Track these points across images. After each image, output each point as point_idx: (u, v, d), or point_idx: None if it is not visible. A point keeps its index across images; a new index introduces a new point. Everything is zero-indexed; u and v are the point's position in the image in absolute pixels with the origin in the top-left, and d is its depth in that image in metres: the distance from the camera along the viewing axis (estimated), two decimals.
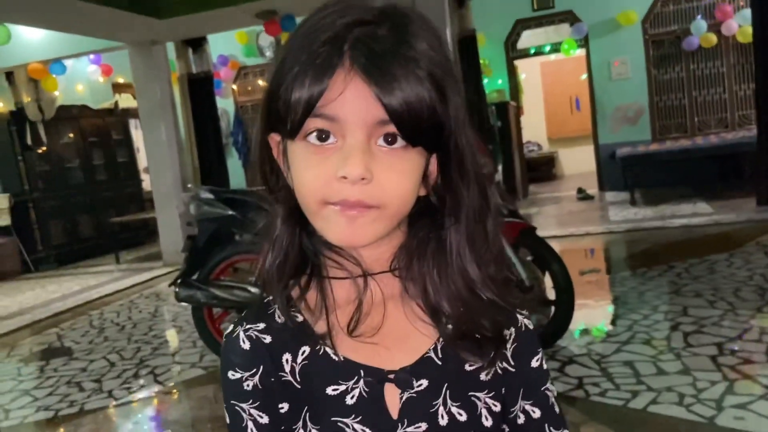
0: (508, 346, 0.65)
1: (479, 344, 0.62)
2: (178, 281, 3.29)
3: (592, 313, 3.73)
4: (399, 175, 0.56)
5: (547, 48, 8.71)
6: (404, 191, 0.57)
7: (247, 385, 0.62)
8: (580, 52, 8.48)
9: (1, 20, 5.09)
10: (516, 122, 8.63)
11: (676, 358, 2.82)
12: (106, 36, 6.32)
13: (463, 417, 0.61)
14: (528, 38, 8.62)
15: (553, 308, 3.11)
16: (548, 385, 0.68)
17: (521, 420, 0.66)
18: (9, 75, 7.46)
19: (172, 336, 4.42)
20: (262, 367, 0.62)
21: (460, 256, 0.61)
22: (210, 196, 3.32)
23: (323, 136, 0.55)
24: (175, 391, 3.33)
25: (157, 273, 6.43)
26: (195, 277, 3.32)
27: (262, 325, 0.63)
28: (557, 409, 0.68)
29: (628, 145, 7.68)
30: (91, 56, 8.04)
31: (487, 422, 0.63)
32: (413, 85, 0.53)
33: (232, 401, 0.62)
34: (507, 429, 0.66)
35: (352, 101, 0.53)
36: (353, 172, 0.54)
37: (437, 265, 0.61)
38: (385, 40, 0.54)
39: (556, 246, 3.15)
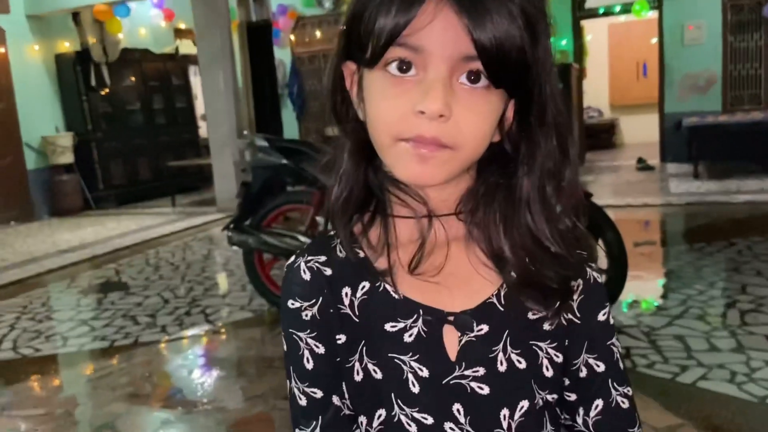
0: (575, 297, 0.62)
1: (544, 294, 0.60)
2: (231, 226, 3.37)
3: (645, 285, 3.64)
4: (477, 117, 0.54)
5: (617, 8, 8.33)
6: (481, 134, 0.55)
7: (306, 315, 0.62)
8: (652, 14, 8.07)
9: None
10: (578, 86, 8.35)
11: (730, 336, 2.73)
12: None
13: (522, 365, 0.60)
14: None
15: (604, 277, 3.04)
16: (614, 340, 0.65)
17: (584, 373, 0.64)
18: (75, 16, 7.62)
19: (222, 279, 4.55)
20: (321, 298, 0.62)
21: (529, 207, 0.59)
22: (265, 144, 3.35)
23: (404, 66, 0.53)
24: (223, 330, 3.44)
25: (210, 218, 6.59)
26: (247, 222, 3.38)
27: (323, 258, 0.63)
28: (621, 366, 0.65)
29: (696, 114, 7.33)
30: (155, 0, 8.13)
31: (548, 372, 0.62)
32: (505, 22, 0.51)
33: (290, 329, 0.63)
34: (567, 381, 0.64)
35: (439, 32, 0.51)
36: (432, 107, 0.52)
37: (504, 214, 0.59)
38: None
39: (611, 216, 3.06)
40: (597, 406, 0.63)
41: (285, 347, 0.64)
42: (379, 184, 0.61)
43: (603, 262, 3.04)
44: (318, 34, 9.20)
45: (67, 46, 7.84)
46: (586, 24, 8.75)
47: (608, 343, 0.65)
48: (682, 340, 2.73)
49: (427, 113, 0.52)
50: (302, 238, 3.24)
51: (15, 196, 7.29)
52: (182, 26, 9.13)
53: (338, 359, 0.62)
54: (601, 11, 8.39)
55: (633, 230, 5.08)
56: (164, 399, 2.70)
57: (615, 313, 3.10)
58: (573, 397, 0.64)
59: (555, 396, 0.63)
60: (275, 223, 3.46)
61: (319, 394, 0.62)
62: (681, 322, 2.94)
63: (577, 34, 8.46)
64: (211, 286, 4.25)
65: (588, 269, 0.64)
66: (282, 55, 9.13)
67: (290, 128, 8.92)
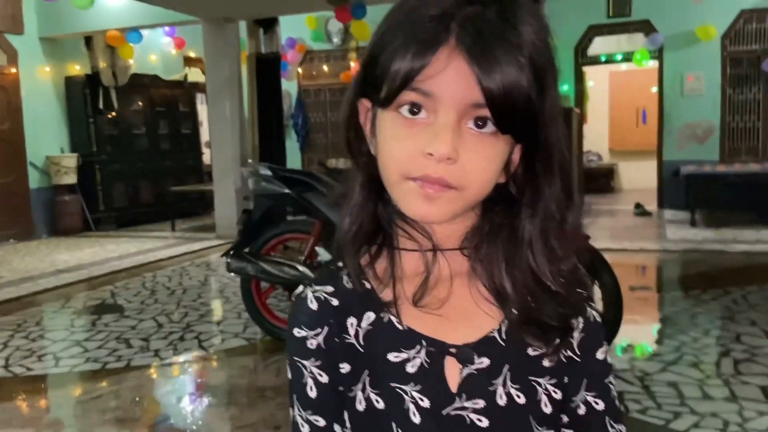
0: (576, 335, 0.64)
1: (543, 331, 0.62)
2: (231, 252, 3.38)
3: (640, 330, 3.64)
4: (483, 160, 0.56)
5: (619, 57, 8.49)
6: (486, 177, 0.57)
7: (311, 344, 0.63)
8: (653, 64, 8.23)
9: None
10: (578, 130, 8.46)
11: (723, 385, 2.73)
12: (183, 9, 6.51)
13: (521, 400, 0.61)
14: (599, 45, 8.42)
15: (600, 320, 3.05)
16: (611, 378, 0.67)
17: (582, 411, 0.65)
18: (88, 40, 7.76)
19: (218, 305, 4.54)
20: (326, 327, 0.63)
21: (531, 248, 0.61)
22: (268, 173, 3.40)
23: (415, 109, 0.56)
24: (216, 357, 3.43)
25: (209, 244, 6.61)
26: (247, 250, 3.40)
27: (330, 288, 0.65)
28: (617, 404, 0.67)
29: (694, 163, 7.43)
30: (167, 28, 8.30)
31: (547, 409, 0.63)
32: (514, 72, 0.53)
33: (295, 357, 0.64)
34: (566, 419, 0.65)
35: (451, 80, 0.54)
36: (440, 150, 0.54)
37: (506, 253, 0.61)
38: (492, 22, 0.54)
39: (607, 259, 3.08)
40: None
41: (289, 375, 0.65)
42: (387, 218, 0.63)
43: (599, 304, 3.06)
44: (325, 68, 9.35)
45: (77, 69, 7.96)
46: (588, 70, 8.91)
47: (606, 380, 0.66)
48: (675, 387, 2.72)
49: (436, 155, 0.54)
50: (301, 268, 3.25)
51: (16, 214, 7.31)
52: (192, 54, 9.29)
53: (341, 388, 0.64)
54: (603, 59, 8.56)
55: (629, 274, 5.10)
56: (153, 425, 2.68)
57: (610, 356, 3.09)
58: None
59: None
60: (274, 252, 3.48)
61: (321, 422, 0.64)
62: (675, 368, 2.94)
63: (579, 79, 8.61)
64: (206, 312, 4.25)
65: (588, 308, 0.66)
66: (288, 86, 9.27)
67: (293, 158, 9.00)
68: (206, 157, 9.22)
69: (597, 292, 3.05)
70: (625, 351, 3.23)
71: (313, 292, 0.65)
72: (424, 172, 0.55)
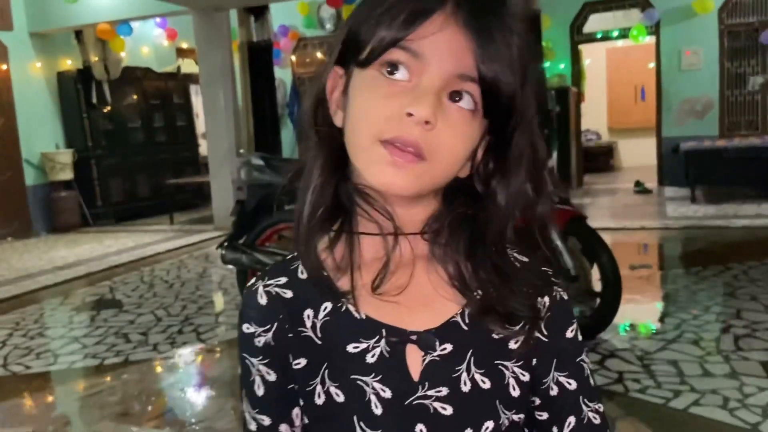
0: (542, 315, 0.62)
1: (507, 319, 0.60)
2: (225, 244, 3.36)
3: (640, 309, 3.62)
4: (457, 136, 0.55)
5: (615, 33, 8.40)
6: (456, 152, 0.56)
7: (259, 341, 0.61)
8: (650, 40, 8.14)
9: None
10: (576, 109, 8.40)
11: (724, 361, 2.72)
12: (172, 0, 6.43)
13: (486, 385, 0.60)
14: (595, 22, 8.33)
15: (598, 300, 3.03)
16: (583, 356, 0.65)
17: (554, 392, 0.63)
18: (78, 34, 7.69)
19: (217, 297, 4.53)
20: (276, 323, 0.61)
21: (495, 242, 0.60)
22: (260, 162, 3.37)
23: (397, 68, 0.54)
24: (216, 349, 3.42)
25: (207, 236, 6.59)
26: (242, 241, 3.38)
27: (284, 279, 0.62)
28: (592, 382, 0.65)
29: (694, 139, 7.37)
30: (158, 20, 8.22)
31: (515, 392, 0.61)
32: (506, 55, 0.53)
33: (243, 354, 0.63)
34: (538, 401, 0.64)
35: (443, 44, 0.53)
36: (421, 112, 0.52)
37: (468, 244, 0.60)
38: (490, 5, 0.54)
39: (608, 238, 3.06)
40: (570, 423, 0.63)
41: (239, 370, 0.64)
42: (348, 198, 0.60)
43: (597, 285, 3.04)
44: (319, 54, 9.27)
45: (69, 63, 7.90)
46: (585, 48, 8.82)
47: (578, 359, 0.64)
48: (675, 365, 2.71)
49: (415, 116, 0.52)
50: None
51: (13, 211, 7.30)
52: (184, 45, 9.22)
53: (290, 386, 0.62)
54: (599, 36, 8.47)
55: (629, 253, 5.08)
56: (154, 418, 2.67)
57: (609, 336, 3.08)
58: (545, 416, 0.64)
59: (521, 416, 0.62)
60: (269, 242, 3.45)
61: (267, 421, 0.62)
62: (675, 346, 2.92)
63: (576, 58, 8.53)
64: (204, 304, 4.24)
65: (553, 285, 0.65)
66: (283, 75, 9.20)
67: (290, 147, 8.95)
68: (203, 149, 9.17)
69: (596, 273, 3.03)
70: (625, 330, 3.21)
71: (264, 286, 0.62)
72: (398, 133, 0.53)
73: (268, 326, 0.61)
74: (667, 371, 2.65)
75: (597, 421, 0.64)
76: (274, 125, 7.44)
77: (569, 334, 0.64)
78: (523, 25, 0.56)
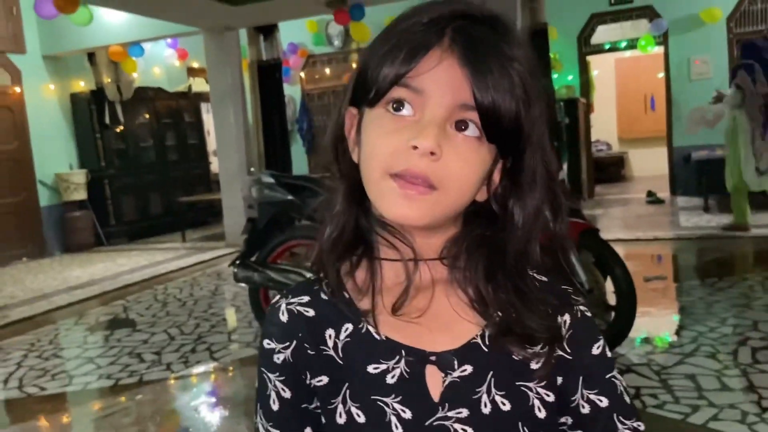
0: (564, 333, 0.62)
1: (528, 340, 0.60)
2: (237, 262, 3.37)
3: (655, 322, 3.58)
4: (465, 163, 0.56)
5: (623, 44, 8.40)
6: (467, 180, 0.57)
7: (278, 358, 0.63)
8: (658, 50, 8.13)
9: (84, 2, 5.32)
10: (585, 120, 8.38)
11: (741, 375, 2.68)
12: (182, 21, 6.52)
13: (506, 407, 0.60)
14: (603, 33, 8.33)
15: (613, 314, 3.00)
16: (614, 373, 0.64)
17: (586, 410, 0.62)
18: (91, 56, 7.80)
19: (230, 315, 4.54)
20: (295, 341, 0.63)
21: (514, 263, 0.61)
22: (271, 180, 3.38)
23: (399, 106, 0.56)
24: (229, 368, 3.42)
25: (219, 253, 6.61)
26: (253, 258, 3.39)
27: (306, 299, 0.65)
28: (627, 399, 0.64)
29: (705, 148, 7.32)
30: (169, 40, 8.32)
31: (540, 414, 0.60)
32: (505, 82, 0.54)
33: (262, 368, 0.65)
34: (570, 420, 0.63)
35: (441, 77, 0.55)
36: (425, 144, 0.54)
37: (487, 266, 0.61)
38: (486, 33, 0.56)
39: (620, 250, 3.03)
40: None
41: (257, 383, 0.65)
42: (368, 227, 0.62)
43: (611, 298, 3.01)
44: (327, 71, 9.34)
45: (82, 85, 8.00)
46: (593, 59, 8.82)
47: (608, 376, 0.63)
48: (693, 379, 2.67)
49: (420, 148, 0.54)
50: (308, 274, 3.19)
51: (28, 232, 7.37)
52: (195, 65, 9.32)
53: (304, 405, 0.63)
54: (607, 47, 8.47)
55: (643, 265, 5.03)
56: None
57: (625, 350, 3.04)
58: None
59: None
60: (281, 259, 3.46)
61: None
62: (692, 360, 2.89)
63: (584, 69, 8.53)
64: (217, 322, 4.24)
65: (573, 302, 0.65)
66: (292, 91, 9.27)
67: (300, 163, 8.99)
68: (214, 167, 9.23)
69: (609, 286, 3.01)
70: (641, 344, 3.18)
71: (286, 304, 0.65)
72: (406, 166, 0.55)
73: (287, 343, 0.63)
74: (684, 386, 2.62)
75: None
76: (284, 142, 7.48)
77: (595, 350, 0.64)
78: (523, 50, 0.57)
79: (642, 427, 0.63)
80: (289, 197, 3.31)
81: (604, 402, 0.62)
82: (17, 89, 7.33)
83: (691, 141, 7.70)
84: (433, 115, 0.55)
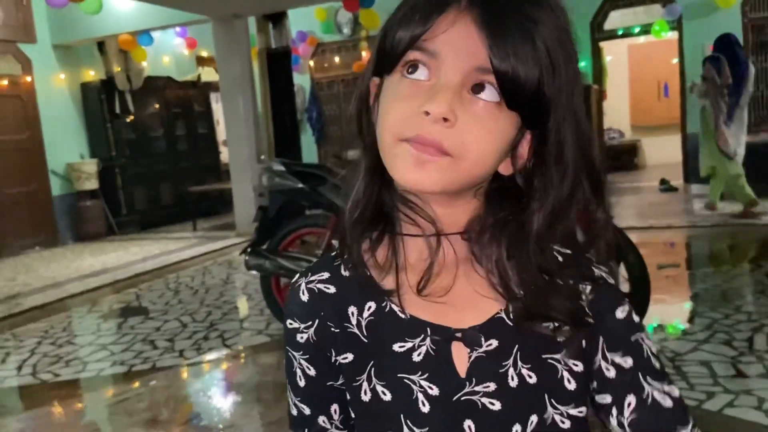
0: (584, 298, 0.60)
1: (552, 322, 0.59)
2: (248, 250, 3.37)
3: (669, 309, 3.56)
4: (482, 131, 0.54)
5: (636, 29, 8.29)
6: (484, 148, 0.54)
7: (301, 337, 0.63)
8: (672, 35, 8.02)
9: None
10: (597, 107, 8.26)
11: (757, 361, 2.65)
12: (191, 9, 6.50)
13: (533, 380, 0.59)
14: (616, 19, 8.23)
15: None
16: (641, 335, 0.61)
17: (611, 373, 0.59)
18: (101, 45, 7.81)
19: (241, 303, 4.55)
20: (318, 320, 0.63)
21: (539, 243, 0.58)
22: (281, 168, 3.37)
23: (417, 68, 0.54)
24: (241, 355, 3.43)
25: (230, 242, 6.63)
26: (264, 246, 3.39)
27: (326, 275, 0.64)
28: (656, 363, 0.60)
29: None
30: (178, 29, 8.31)
31: (570, 385, 0.59)
32: (527, 47, 0.51)
33: (287, 347, 0.65)
34: (595, 384, 0.60)
35: (456, 39, 0.52)
36: (437, 109, 0.52)
37: (511, 247, 0.59)
38: None
39: (634, 238, 3.01)
40: (630, 403, 0.58)
41: (285, 360, 0.66)
42: (390, 203, 0.61)
43: (625, 285, 2.99)
44: (337, 59, 9.30)
45: (92, 74, 8.02)
46: (606, 45, 8.72)
47: (633, 338, 0.60)
48: (708, 366, 2.65)
49: (432, 114, 0.52)
50: None
51: (40, 221, 7.42)
52: (204, 54, 9.31)
53: (329, 383, 0.63)
54: (620, 32, 8.36)
55: (657, 252, 4.99)
56: (182, 424, 2.68)
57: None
58: (607, 398, 0.60)
59: (582, 410, 0.60)
60: (292, 247, 3.46)
61: (307, 411, 0.65)
62: (707, 347, 2.86)
63: (596, 55, 8.43)
64: (229, 310, 4.26)
65: (595, 269, 0.62)
66: (301, 80, 9.24)
67: (309, 152, 8.99)
68: (224, 156, 9.24)
69: (623, 273, 2.98)
70: (655, 331, 3.16)
71: (306, 283, 0.64)
72: (418, 132, 0.53)
73: (309, 322, 0.63)
74: (699, 372, 2.60)
75: (667, 402, 0.58)
76: (294, 131, 7.47)
77: (619, 314, 0.61)
78: (553, 12, 0.54)
79: (676, 393, 0.59)
80: (300, 185, 3.30)
81: (628, 362, 0.59)
82: (28, 79, 7.35)
83: None
84: (448, 79, 0.53)
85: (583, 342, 0.60)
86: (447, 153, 0.53)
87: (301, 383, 0.64)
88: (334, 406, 0.64)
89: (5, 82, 7.09)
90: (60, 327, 4.20)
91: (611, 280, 0.63)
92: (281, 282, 3.50)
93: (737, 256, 4.41)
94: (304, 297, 0.63)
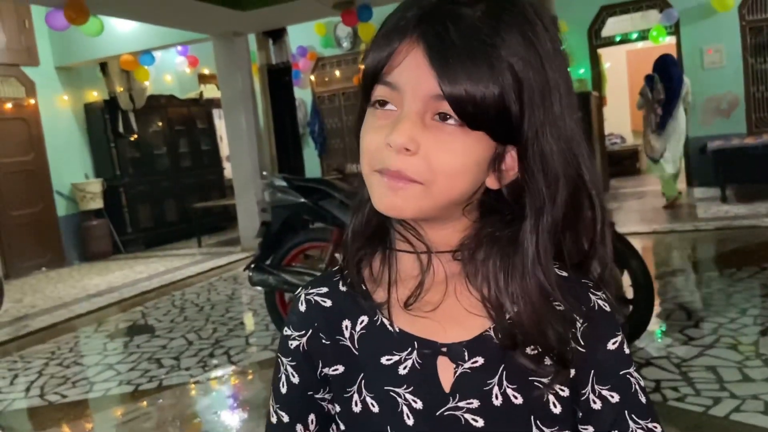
0: (578, 326, 0.60)
1: (537, 357, 0.58)
2: (252, 266, 3.39)
3: (674, 314, 3.54)
4: (448, 154, 0.54)
5: (634, 35, 8.32)
6: (451, 171, 0.54)
7: (292, 344, 0.66)
8: (670, 40, 8.04)
9: (95, 12, 5.37)
10: (598, 113, 8.31)
11: (764, 365, 2.64)
12: (192, 28, 6.56)
13: (518, 400, 0.59)
14: (613, 25, 8.26)
15: (630, 307, 2.97)
16: (631, 370, 0.61)
17: (597, 405, 0.60)
18: (103, 66, 7.88)
19: (247, 318, 4.56)
20: (311, 330, 0.65)
21: (537, 261, 0.57)
22: (283, 183, 3.39)
23: (383, 102, 0.56)
24: (248, 371, 3.43)
25: (235, 257, 6.65)
26: (268, 262, 3.40)
27: (324, 289, 0.66)
28: (643, 399, 0.61)
29: (721, 138, 7.24)
30: (179, 48, 8.38)
31: (556, 409, 0.60)
32: (480, 68, 0.51)
33: (278, 353, 0.67)
34: (580, 414, 0.61)
35: (409, 70, 0.53)
36: (396, 140, 0.53)
37: (504, 265, 0.58)
38: (470, 19, 0.52)
39: (637, 243, 3.01)
40: None
41: (274, 367, 0.68)
42: (389, 220, 0.63)
43: (629, 291, 2.98)
44: (337, 73, 9.36)
45: (95, 95, 8.09)
46: (604, 52, 8.75)
47: (623, 372, 0.61)
48: (714, 371, 2.64)
49: (393, 146, 0.53)
50: None
51: (46, 242, 7.46)
52: (206, 71, 9.38)
53: (310, 393, 0.65)
54: (618, 39, 8.39)
55: (661, 257, 4.98)
56: None
57: (644, 343, 3.01)
58: (590, 430, 0.61)
59: None
60: (295, 262, 3.47)
61: (285, 418, 0.66)
62: (712, 352, 2.85)
63: (595, 62, 8.46)
64: (234, 326, 4.27)
65: (592, 296, 0.62)
66: (302, 94, 9.30)
67: (312, 166, 9.01)
68: (227, 172, 9.29)
69: (626, 280, 2.98)
70: (660, 337, 3.15)
71: (305, 294, 0.67)
72: (384, 165, 0.55)
73: (303, 332, 0.65)
74: (705, 378, 2.59)
75: None
76: (296, 145, 7.51)
77: (611, 346, 0.61)
78: (532, 28, 0.53)
79: (659, 429, 0.60)
80: (302, 200, 3.32)
81: (615, 398, 0.60)
82: (32, 101, 7.42)
83: (706, 131, 7.62)
84: (409, 109, 0.54)
85: (572, 371, 0.60)
86: (414, 180, 0.54)
87: (283, 390, 0.66)
88: (312, 416, 0.66)
89: (9, 105, 7.15)
90: (67, 348, 4.21)
91: (608, 308, 0.62)
92: (285, 297, 3.51)
93: (741, 258, 4.39)
94: (302, 307, 0.66)
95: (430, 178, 0.54)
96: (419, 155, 0.53)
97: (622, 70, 10.38)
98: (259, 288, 3.59)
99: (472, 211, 0.60)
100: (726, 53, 7.55)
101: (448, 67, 0.51)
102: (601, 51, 8.56)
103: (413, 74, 0.53)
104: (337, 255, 3.27)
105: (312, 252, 3.61)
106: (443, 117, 0.53)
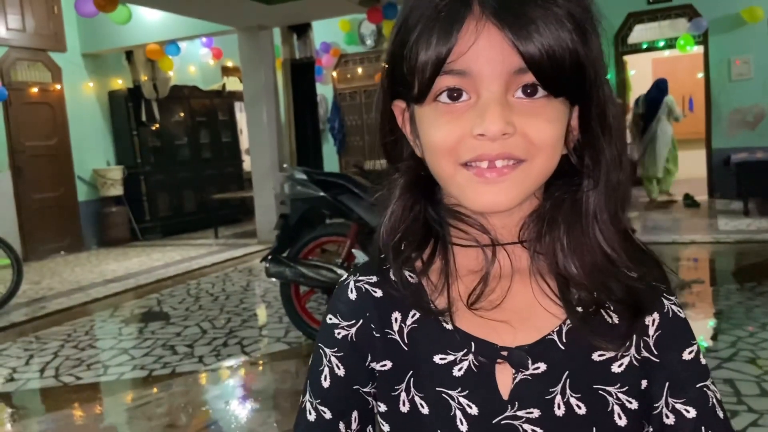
0: (651, 333, 0.58)
1: (611, 327, 0.56)
2: (269, 257, 3.39)
3: (693, 326, 3.46)
4: (545, 123, 0.51)
5: (661, 43, 8.23)
6: (552, 140, 0.52)
7: (338, 333, 0.61)
8: (697, 49, 7.94)
9: (123, 1, 5.42)
10: (621, 121, 8.22)
11: None
12: (218, 20, 6.61)
13: (582, 410, 0.55)
14: (640, 33, 8.17)
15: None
16: (708, 383, 0.58)
17: (670, 420, 0.57)
18: (129, 54, 7.96)
19: (260, 310, 4.58)
20: (362, 320, 0.60)
21: (597, 218, 0.55)
22: (303, 176, 3.40)
23: (455, 94, 0.51)
24: (260, 362, 3.45)
25: (251, 249, 6.68)
26: (285, 254, 3.41)
27: (374, 279, 0.61)
28: (721, 414, 0.57)
29: (745, 150, 7.13)
30: (204, 39, 8.44)
31: (621, 421, 0.56)
32: (552, 27, 0.48)
33: (320, 343, 0.62)
34: (651, 429, 0.58)
35: (485, 51, 0.49)
36: (492, 128, 0.49)
37: (569, 230, 0.56)
38: None
39: (657, 252, 2.96)
40: None
41: (311, 359, 0.63)
42: (438, 218, 0.59)
43: None
44: (359, 70, 9.37)
45: (119, 83, 8.18)
46: (630, 59, 8.67)
47: (699, 385, 0.57)
48: (732, 384, 2.60)
49: (488, 135, 0.50)
50: (339, 271, 3.24)
51: (66, 226, 7.55)
52: (229, 64, 9.43)
53: (355, 387, 0.60)
54: (645, 46, 8.31)
55: (681, 268, 4.92)
56: (200, 430, 2.70)
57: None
58: None
59: None
60: (312, 255, 3.48)
61: (328, 414, 0.60)
62: (731, 365, 2.81)
63: (620, 69, 8.38)
64: (248, 317, 4.28)
65: (665, 301, 0.59)
66: (324, 90, 9.31)
67: (330, 162, 9.03)
68: (247, 164, 9.34)
69: None
70: None
71: (355, 281, 0.62)
72: (478, 153, 0.51)
73: (353, 321, 0.61)
74: (723, 391, 2.55)
75: None
76: (316, 141, 7.53)
77: (687, 355, 0.58)
78: None
79: None
80: (321, 194, 3.32)
81: (691, 413, 0.56)
82: (58, 86, 7.51)
83: (730, 143, 7.52)
84: (490, 93, 0.50)
85: (644, 382, 0.57)
86: (519, 159, 0.51)
87: (326, 383, 0.60)
88: (355, 413, 0.60)
89: (36, 90, 7.25)
90: (83, 331, 4.26)
91: (682, 315, 0.59)
92: (301, 290, 3.51)
93: (762, 272, 4.33)
94: (352, 295, 0.61)
95: (532, 152, 0.51)
96: (517, 134, 0.50)
97: (647, 78, 10.26)
98: (274, 280, 3.60)
99: (540, 188, 0.57)
100: (754, 65, 7.44)
101: (524, 32, 0.48)
102: (626, 58, 8.48)
103: (490, 54, 0.49)
104: (354, 250, 3.27)
105: (329, 246, 3.61)
106: (528, 92, 0.51)
